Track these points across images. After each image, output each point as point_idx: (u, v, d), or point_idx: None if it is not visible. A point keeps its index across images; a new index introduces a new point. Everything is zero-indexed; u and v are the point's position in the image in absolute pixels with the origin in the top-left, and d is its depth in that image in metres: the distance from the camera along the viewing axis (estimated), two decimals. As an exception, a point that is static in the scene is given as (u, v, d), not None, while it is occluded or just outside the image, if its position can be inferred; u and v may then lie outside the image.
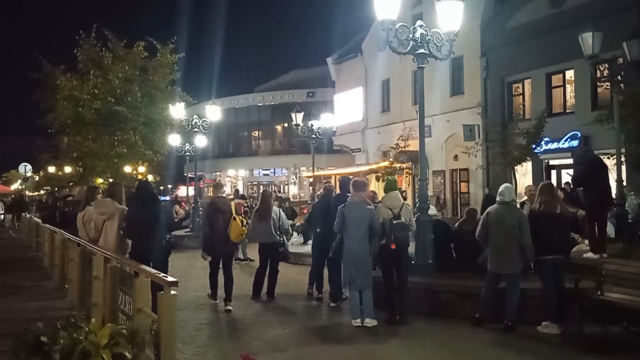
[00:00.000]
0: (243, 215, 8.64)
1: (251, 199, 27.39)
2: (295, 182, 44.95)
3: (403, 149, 23.78)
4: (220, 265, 8.45)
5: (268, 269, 9.15)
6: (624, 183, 11.69)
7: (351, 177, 8.83)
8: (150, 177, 30.55)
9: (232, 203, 8.84)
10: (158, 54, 23.18)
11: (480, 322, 6.95)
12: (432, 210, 9.93)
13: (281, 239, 9.29)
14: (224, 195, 9.35)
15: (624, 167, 12.36)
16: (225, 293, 8.29)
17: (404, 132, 24.07)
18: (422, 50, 8.32)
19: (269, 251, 9.13)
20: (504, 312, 6.85)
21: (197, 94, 28.80)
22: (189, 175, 27.03)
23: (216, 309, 8.46)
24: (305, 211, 22.47)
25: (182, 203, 24.29)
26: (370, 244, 7.20)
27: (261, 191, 11.80)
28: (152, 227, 6.78)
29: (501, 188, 7.30)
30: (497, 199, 7.25)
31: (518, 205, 9.49)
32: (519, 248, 6.83)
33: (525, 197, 11.40)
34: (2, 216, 26.40)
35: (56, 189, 38.67)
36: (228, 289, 8.29)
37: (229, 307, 8.16)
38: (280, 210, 9.93)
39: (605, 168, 8.86)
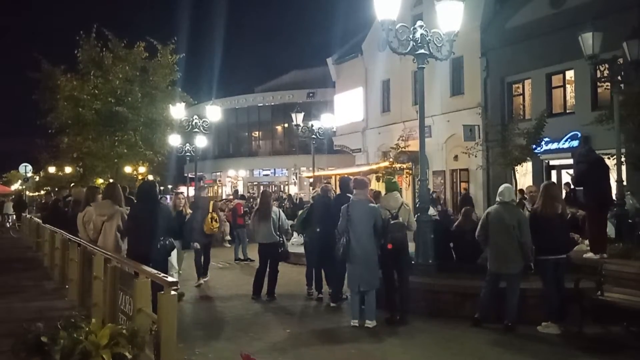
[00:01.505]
0: (217, 213, 10.77)
1: (251, 199, 27.38)
2: (295, 182, 44.92)
3: (403, 149, 23.77)
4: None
5: (268, 269, 9.15)
6: (624, 183, 11.69)
7: (350, 177, 8.85)
8: (150, 178, 30.52)
9: (211, 202, 10.98)
10: (158, 54, 23.17)
11: (480, 322, 6.95)
12: (430, 211, 9.91)
13: (281, 239, 9.30)
14: (206, 195, 11.57)
15: (624, 167, 12.35)
16: (203, 268, 10.43)
17: (404, 133, 24.07)
18: (422, 51, 8.32)
19: (269, 251, 9.14)
20: (504, 312, 6.85)
21: (197, 94, 28.75)
22: (189, 176, 27.03)
23: (216, 309, 8.48)
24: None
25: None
26: (376, 242, 7.19)
27: (261, 191, 11.91)
28: (152, 227, 6.78)
29: (501, 188, 7.30)
30: (497, 199, 7.25)
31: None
32: (519, 248, 6.84)
33: (527, 198, 11.42)
34: (14, 216, 26.52)
35: (56, 189, 38.68)
36: (205, 266, 10.49)
37: (202, 282, 10.20)
38: (280, 210, 9.94)
39: (607, 168, 8.87)
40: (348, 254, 7.12)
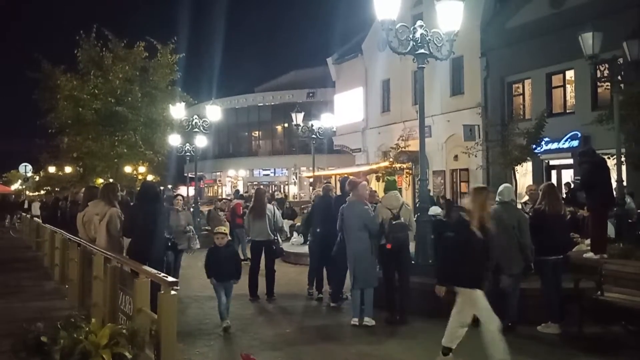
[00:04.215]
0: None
1: (250, 198, 27.33)
2: (295, 182, 44.95)
3: (403, 149, 23.76)
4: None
5: (265, 269, 9.13)
6: (624, 183, 11.69)
7: (349, 177, 8.87)
8: (150, 177, 30.54)
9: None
10: (158, 54, 23.18)
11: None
12: (437, 210, 9.88)
13: (275, 237, 9.27)
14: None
15: (624, 167, 12.35)
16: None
17: (404, 132, 24.06)
18: (422, 51, 8.32)
19: (262, 248, 9.13)
20: (504, 312, 6.84)
21: (197, 94, 28.79)
22: (189, 176, 27.02)
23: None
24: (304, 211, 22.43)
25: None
26: (370, 242, 7.22)
27: (255, 190, 11.81)
28: (152, 227, 6.79)
29: (500, 188, 7.29)
30: (497, 198, 7.24)
31: (520, 206, 9.48)
32: (519, 248, 6.83)
33: (527, 198, 11.38)
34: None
35: (57, 189, 38.68)
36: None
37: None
38: (275, 208, 9.86)
39: (608, 169, 8.88)
40: (343, 253, 7.22)
